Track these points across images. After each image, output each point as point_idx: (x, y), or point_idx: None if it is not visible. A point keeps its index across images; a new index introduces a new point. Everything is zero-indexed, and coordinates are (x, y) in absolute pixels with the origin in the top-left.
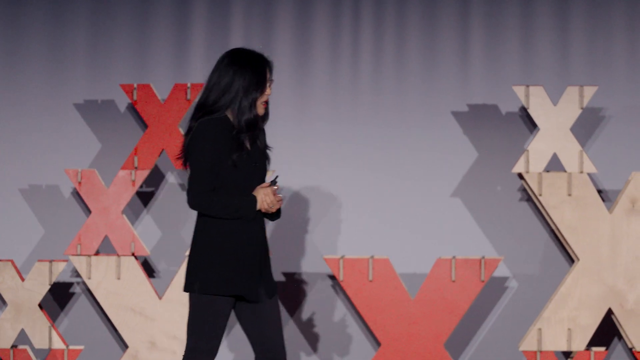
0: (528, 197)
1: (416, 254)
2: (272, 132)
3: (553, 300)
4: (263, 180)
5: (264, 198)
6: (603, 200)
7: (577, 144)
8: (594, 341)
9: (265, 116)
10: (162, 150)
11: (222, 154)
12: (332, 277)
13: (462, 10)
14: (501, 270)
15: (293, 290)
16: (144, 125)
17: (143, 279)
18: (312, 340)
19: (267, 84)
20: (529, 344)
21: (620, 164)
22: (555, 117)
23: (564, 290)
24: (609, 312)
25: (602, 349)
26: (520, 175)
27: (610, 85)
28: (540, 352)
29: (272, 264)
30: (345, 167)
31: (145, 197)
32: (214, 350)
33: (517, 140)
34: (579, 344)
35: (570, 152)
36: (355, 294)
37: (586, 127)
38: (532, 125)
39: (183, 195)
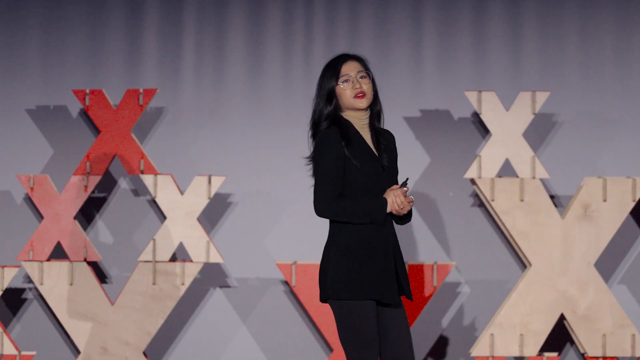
0: (480, 202)
1: None
2: (225, 138)
3: (505, 306)
4: (389, 185)
5: (394, 200)
6: (555, 205)
7: (529, 149)
8: (546, 347)
9: (376, 116)
10: (115, 155)
11: (341, 157)
12: (285, 283)
13: (415, 16)
14: (453, 276)
15: (246, 295)
16: (96, 130)
17: (95, 284)
18: (265, 345)
19: (341, 77)
20: (481, 349)
21: (573, 169)
22: (507, 122)
23: (516, 295)
24: (561, 318)
25: (555, 354)
26: (473, 181)
27: (563, 90)
28: (493, 357)
29: (226, 269)
30: (298, 172)
31: (97, 202)
32: (377, 357)
33: (470, 146)
34: (531, 350)
35: (522, 157)
36: (307, 300)
37: (538, 132)
38: (484, 131)
39: (136, 200)
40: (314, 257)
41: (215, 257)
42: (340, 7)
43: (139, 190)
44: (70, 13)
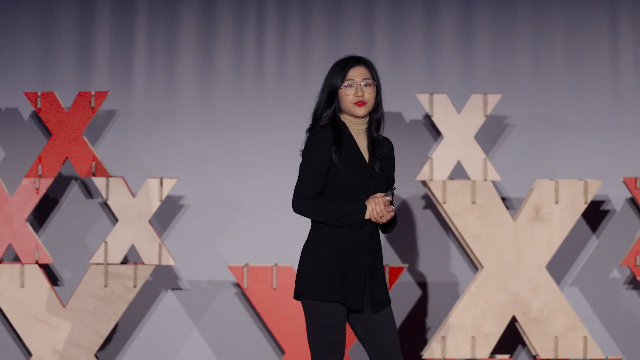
0: (432, 204)
1: None
2: (177, 140)
3: (457, 308)
4: (374, 192)
5: (374, 207)
6: (507, 207)
7: (481, 151)
8: (498, 349)
9: (375, 124)
10: (66, 158)
11: (326, 158)
12: (237, 285)
13: (367, 18)
14: (405, 278)
15: (197, 298)
16: (48, 133)
17: (47, 287)
18: (217, 348)
19: (346, 81)
20: (432, 351)
21: (524, 171)
22: (459, 124)
23: (467, 298)
24: (513, 320)
25: (506, 356)
26: (425, 183)
27: (514, 93)
28: (445, 359)
29: (177, 271)
30: (250, 174)
31: (49, 205)
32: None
33: (421, 148)
34: (483, 352)
35: (474, 159)
36: (259, 302)
37: (490, 134)
38: (436, 133)
39: (87, 203)
40: (266, 259)
41: (166, 260)
42: (292, 9)
43: (90, 192)
44: (22, 16)
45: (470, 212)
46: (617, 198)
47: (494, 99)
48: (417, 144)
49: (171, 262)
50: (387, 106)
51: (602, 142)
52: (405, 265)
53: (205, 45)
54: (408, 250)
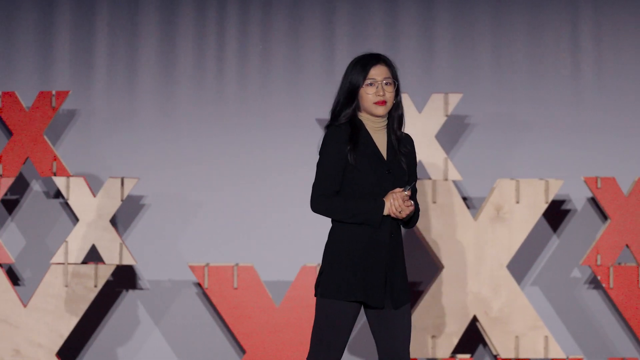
0: None
1: (281, 261)
2: (138, 140)
3: (418, 308)
4: (393, 189)
5: (392, 202)
6: (468, 207)
7: (442, 151)
8: (459, 348)
9: (397, 121)
10: (27, 158)
11: (342, 156)
12: (198, 285)
13: (327, 18)
14: None
15: (158, 298)
16: (8, 132)
17: (7, 286)
18: (177, 348)
19: (367, 80)
20: None
21: (485, 171)
22: (420, 124)
23: (428, 297)
24: (474, 319)
25: (467, 356)
26: None
27: (475, 92)
28: None
29: (138, 271)
30: (210, 173)
31: (9, 205)
32: None
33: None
34: (444, 352)
35: (435, 159)
36: (220, 302)
37: (451, 134)
38: None
39: (48, 203)
40: (227, 259)
41: (127, 259)
42: (253, 7)
43: (51, 192)
44: None
45: (431, 212)
46: (578, 197)
47: (454, 99)
48: None
49: (132, 262)
50: None
51: (563, 142)
52: None
53: (166, 45)
54: None
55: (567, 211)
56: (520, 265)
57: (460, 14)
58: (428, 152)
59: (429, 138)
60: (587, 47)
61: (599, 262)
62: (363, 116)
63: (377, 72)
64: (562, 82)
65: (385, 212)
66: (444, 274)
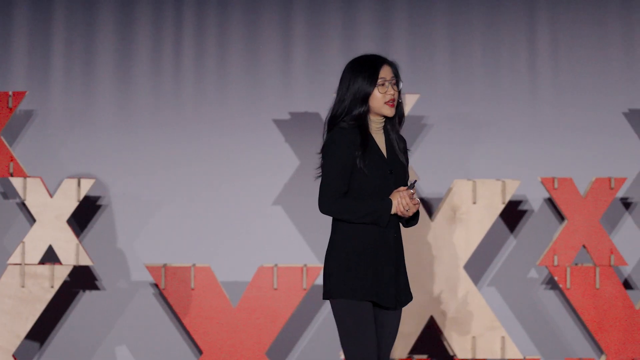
0: None
1: (238, 262)
2: (94, 141)
3: None
4: (396, 188)
5: (400, 201)
6: (425, 208)
7: None
8: (416, 349)
9: (399, 121)
10: None
11: (351, 159)
12: (155, 285)
13: (284, 18)
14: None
15: (115, 298)
16: None
17: None
18: (134, 348)
19: (379, 80)
20: None
21: (442, 171)
22: None
23: None
24: (431, 320)
25: (424, 356)
26: None
27: (432, 93)
28: None
29: (95, 271)
30: (167, 174)
31: None
32: (374, 357)
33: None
34: (401, 352)
35: None
36: (177, 302)
37: (408, 134)
38: None
39: (5, 203)
40: (184, 259)
41: (84, 260)
42: (210, 8)
43: (8, 193)
44: None
45: None
46: (535, 198)
47: (412, 99)
48: None
49: (89, 263)
50: (305, 106)
51: (520, 143)
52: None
53: (123, 45)
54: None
55: (524, 212)
56: (477, 266)
57: (416, 15)
58: None
59: None
60: (543, 48)
61: (555, 263)
62: (369, 118)
63: (386, 72)
64: (519, 83)
65: (393, 211)
66: None
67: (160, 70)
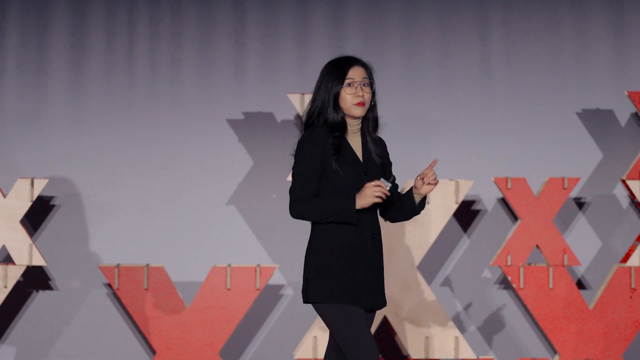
0: None
1: (191, 262)
2: (48, 141)
3: None
4: None
5: (366, 192)
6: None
7: None
8: None
9: (373, 123)
10: None
11: (319, 161)
12: (108, 286)
13: (237, 18)
14: (277, 278)
15: (69, 298)
16: None
17: None
18: (87, 349)
19: (347, 80)
20: (304, 351)
21: (395, 171)
22: None
23: None
24: (385, 320)
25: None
26: None
27: (386, 93)
28: (316, 359)
29: (49, 272)
30: (120, 174)
31: None
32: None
33: (292, 148)
34: None
35: None
36: (130, 302)
37: None
38: None
39: None
40: (137, 259)
41: (38, 260)
42: (162, 8)
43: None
44: None
45: None
46: (488, 198)
47: None
48: (288, 144)
49: (42, 263)
50: (259, 106)
51: (473, 143)
52: (277, 265)
53: (76, 45)
54: (279, 251)
55: (478, 211)
56: (430, 266)
57: (369, 15)
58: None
59: None
60: (496, 48)
61: (509, 263)
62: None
63: (356, 73)
64: (472, 83)
65: (359, 206)
66: None
67: (113, 72)
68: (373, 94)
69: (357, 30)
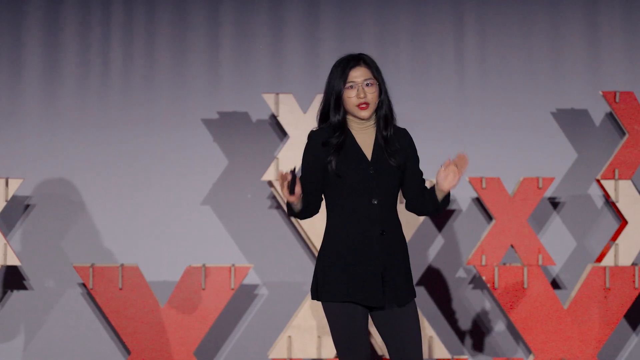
0: (278, 204)
1: (166, 262)
2: (22, 140)
3: (302, 308)
4: (380, 187)
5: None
6: None
7: None
8: None
9: (383, 121)
10: None
11: (319, 161)
12: (83, 285)
13: (211, 17)
14: (251, 278)
15: (43, 298)
16: None
17: None
18: (62, 348)
19: (347, 83)
20: (278, 351)
21: None
22: (305, 124)
23: None
24: None
25: None
26: (270, 183)
27: None
28: (291, 359)
29: (23, 271)
30: (95, 174)
31: None
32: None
33: (267, 148)
34: (328, 352)
35: None
36: (105, 302)
37: None
38: (282, 133)
39: None
40: (112, 259)
41: (12, 260)
42: (137, 7)
43: None
44: None
45: None
46: (463, 198)
47: None
48: (263, 144)
49: (16, 262)
50: (234, 106)
51: (448, 142)
52: (252, 265)
53: (50, 45)
54: (254, 250)
55: (452, 211)
56: None
57: (344, 14)
58: None
59: None
60: (471, 48)
61: (483, 262)
62: (349, 118)
63: (357, 74)
64: (447, 83)
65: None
66: None
67: (87, 70)
68: (382, 91)
69: (332, 31)
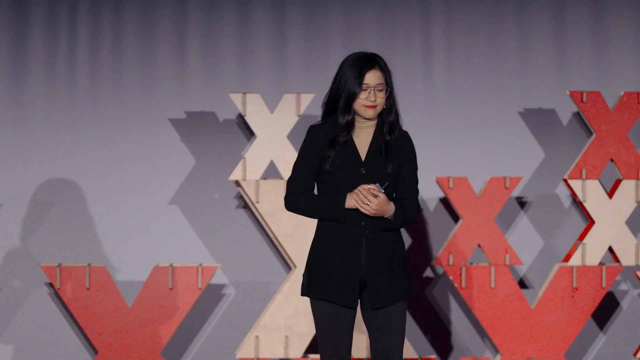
0: (245, 204)
1: (133, 262)
2: None
3: (270, 308)
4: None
5: (357, 194)
6: None
7: (294, 151)
8: (311, 348)
9: (389, 126)
10: None
11: (317, 157)
12: (50, 285)
13: (179, 18)
14: (218, 278)
15: (10, 298)
16: None
17: None
18: (29, 348)
19: (363, 85)
20: (246, 351)
21: None
22: (272, 124)
23: (280, 297)
24: None
25: (319, 356)
26: (238, 183)
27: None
28: (258, 359)
29: None
30: (62, 174)
31: None
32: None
33: (235, 148)
34: (296, 352)
35: (287, 159)
36: (72, 302)
37: (303, 134)
38: (249, 133)
39: None
40: (79, 259)
41: None
42: (105, 6)
43: None
44: None
45: (283, 212)
46: (430, 197)
47: (306, 99)
48: (230, 144)
49: None
50: (201, 105)
51: (415, 142)
52: (219, 265)
53: (16, 45)
54: (221, 250)
55: (419, 210)
56: None
57: (311, 14)
58: (280, 153)
59: (281, 138)
60: (438, 46)
61: (451, 262)
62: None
63: (372, 78)
64: (414, 82)
65: (348, 205)
66: (296, 273)
67: (54, 70)
68: (390, 96)
69: (298, 29)
